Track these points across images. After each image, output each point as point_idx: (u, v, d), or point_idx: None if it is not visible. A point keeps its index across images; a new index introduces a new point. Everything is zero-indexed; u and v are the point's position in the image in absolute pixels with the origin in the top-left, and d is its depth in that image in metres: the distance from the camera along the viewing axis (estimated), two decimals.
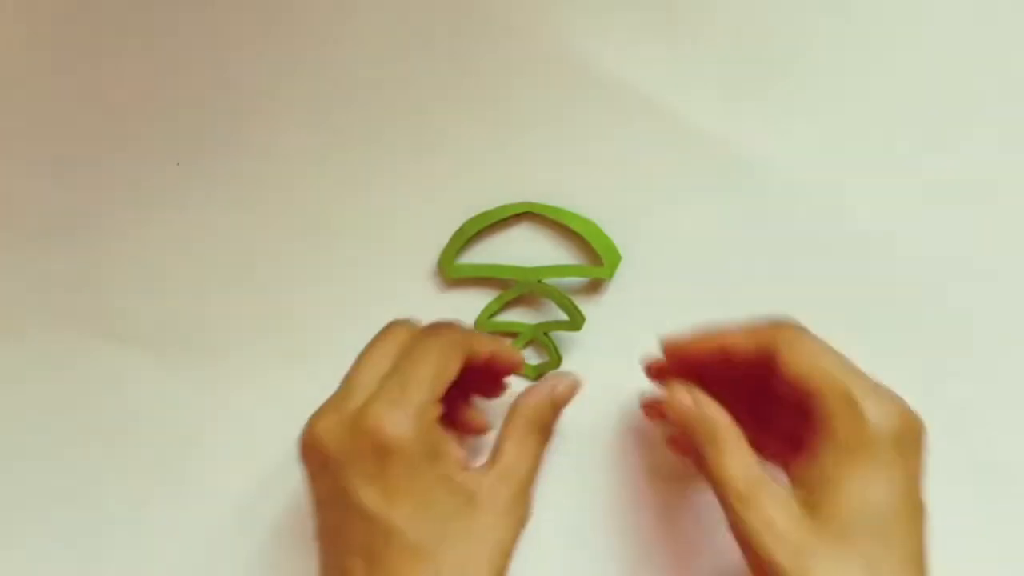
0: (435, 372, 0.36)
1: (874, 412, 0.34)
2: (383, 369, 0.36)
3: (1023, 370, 0.44)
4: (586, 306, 0.44)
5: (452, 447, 0.36)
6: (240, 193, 0.46)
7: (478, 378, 0.40)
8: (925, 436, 0.35)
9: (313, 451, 0.35)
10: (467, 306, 0.44)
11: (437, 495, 0.34)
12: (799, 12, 0.45)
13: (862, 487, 0.33)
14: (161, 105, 0.46)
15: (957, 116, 0.45)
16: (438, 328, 0.37)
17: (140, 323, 0.46)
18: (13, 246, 0.46)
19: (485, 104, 0.46)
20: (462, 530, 0.34)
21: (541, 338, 0.44)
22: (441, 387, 0.36)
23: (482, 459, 0.38)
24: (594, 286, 0.45)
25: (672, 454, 0.43)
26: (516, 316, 0.45)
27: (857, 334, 0.43)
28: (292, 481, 0.44)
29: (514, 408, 0.38)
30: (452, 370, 0.36)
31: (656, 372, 0.41)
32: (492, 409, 0.43)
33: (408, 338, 0.37)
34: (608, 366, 0.43)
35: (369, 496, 0.34)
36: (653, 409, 0.42)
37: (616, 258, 0.44)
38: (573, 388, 0.40)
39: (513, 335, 0.44)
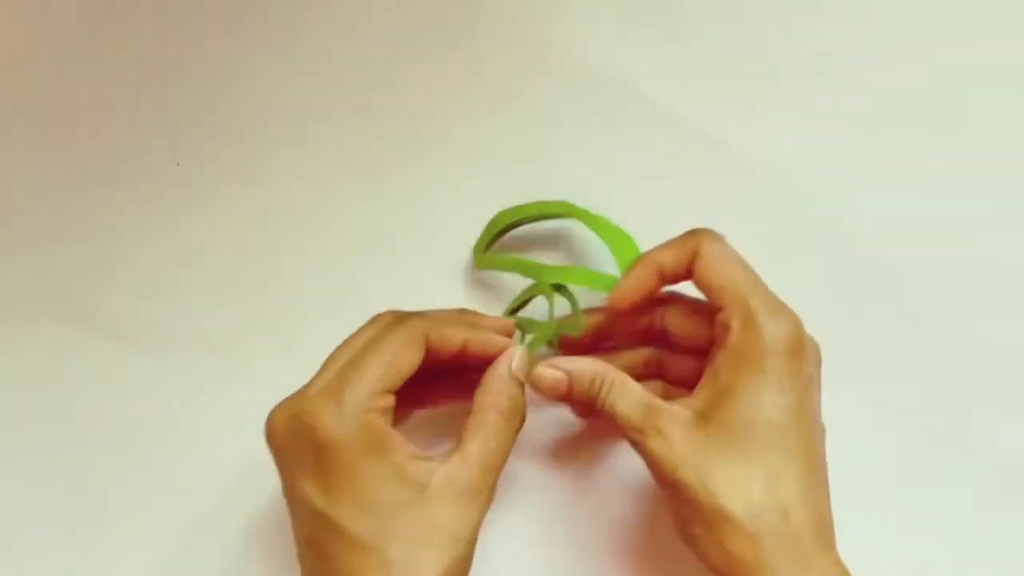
0: (385, 364, 0.35)
1: (769, 325, 0.35)
2: (344, 361, 0.36)
3: (1023, 369, 0.44)
4: (587, 303, 0.43)
5: (400, 439, 0.35)
6: (240, 193, 0.46)
7: (461, 369, 0.39)
8: (818, 356, 0.37)
9: (269, 442, 0.36)
10: (478, 305, 0.43)
11: (383, 488, 0.34)
12: (799, 12, 0.45)
13: (755, 397, 0.34)
14: (161, 105, 0.46)
15: (957, 116, 0.45)
16: (401, 318, 0.37)
17: (140, 323, 0.46)
18: (13, 246, 0.46)
19: (488, 104, 0.46)
20: (412, 521, 0.34)
21: (554, 339, 0.42)
22: (392, 380, 0.35)
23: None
24: None
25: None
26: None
27: (857, 334, 0.44)
28: None
29: (477, 390, 0.37)
30: (407, 361, 0.35)
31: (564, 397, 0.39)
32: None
33: (378, 329, 0.37)
34: None
35: (311, 491, 0.34)
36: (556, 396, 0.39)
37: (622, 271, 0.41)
38: (527, 359, 0.38)
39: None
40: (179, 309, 0.45)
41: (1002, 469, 0.43)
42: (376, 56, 0.47)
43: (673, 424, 0.35)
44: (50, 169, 0.47)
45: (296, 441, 0.35)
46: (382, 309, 0.38)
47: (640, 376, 0.40)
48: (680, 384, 0.40)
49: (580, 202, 0.43)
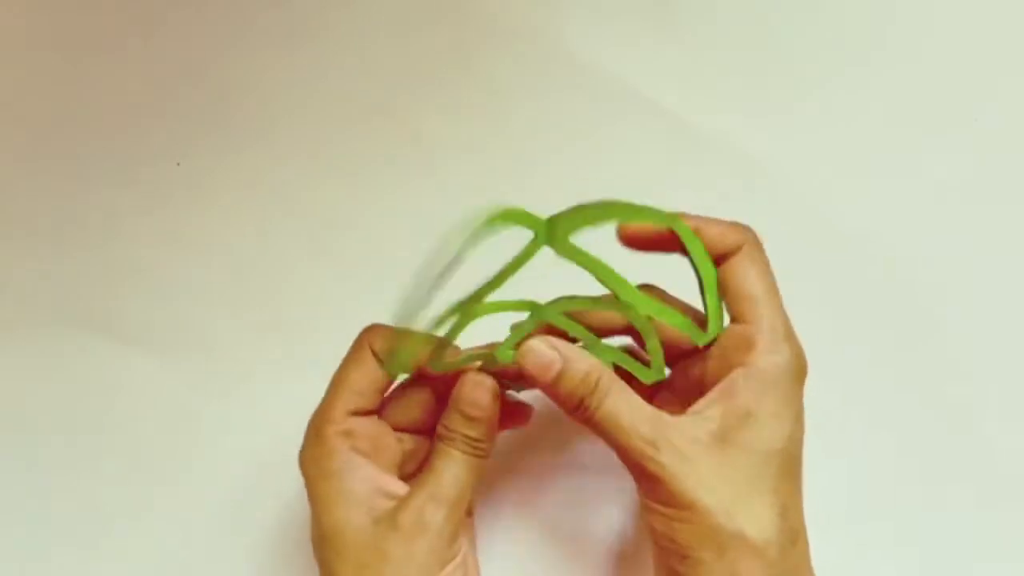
0: (336, 384, 0.35)
1: (789, 350, 0.34)
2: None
3: (1023, 371, 0.44)
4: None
5: (361, 465, 0.34)
6: (242, 194, 0.46)
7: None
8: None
9: None
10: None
11: (333, 512, 0.34)
12: (799, 12, 0.45)
13: (778, 425, 0.33)
14: (161, 105, 0.46)
15: (958, 116, 0.45)
16: (359, 336, 0.36)
17: (140, 323, 0.46)
18: (13, 246, 0.46)
19: (483, 106, 0.46)
20: (380, 557, 0.33)
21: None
22: (343, 400, 0.35)
23: None
24: None
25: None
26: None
27: (857, 334, 0.44)
28: (291, 481, 0.44)
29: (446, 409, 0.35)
30: (357, 380, 0.35)
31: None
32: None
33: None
34: None
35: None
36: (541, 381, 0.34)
37: (719, 329, 0.35)
38: (477, 388, 0.35)
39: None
40: (181, 311, 0.45)
41: (1002, 469, 0.43)
42: (376, 56, 0.47)
43: (689, 442, 0.32)
44: (50, 169, 0.46)
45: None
46: (384, 310, 0.38)
47: None
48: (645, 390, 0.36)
49: (577, 201, 0.43)
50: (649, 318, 0.34)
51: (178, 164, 0.46)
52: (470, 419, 0.34)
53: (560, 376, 0.33)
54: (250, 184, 0.46)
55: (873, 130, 0.45)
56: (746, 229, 0.35)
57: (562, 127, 0.46)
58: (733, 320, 0.35)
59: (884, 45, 0.46)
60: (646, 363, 0.36)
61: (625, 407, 0.33)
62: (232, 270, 0.46)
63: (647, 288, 0.36)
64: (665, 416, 0.33)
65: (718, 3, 0.46)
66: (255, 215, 0.46)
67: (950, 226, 0.45)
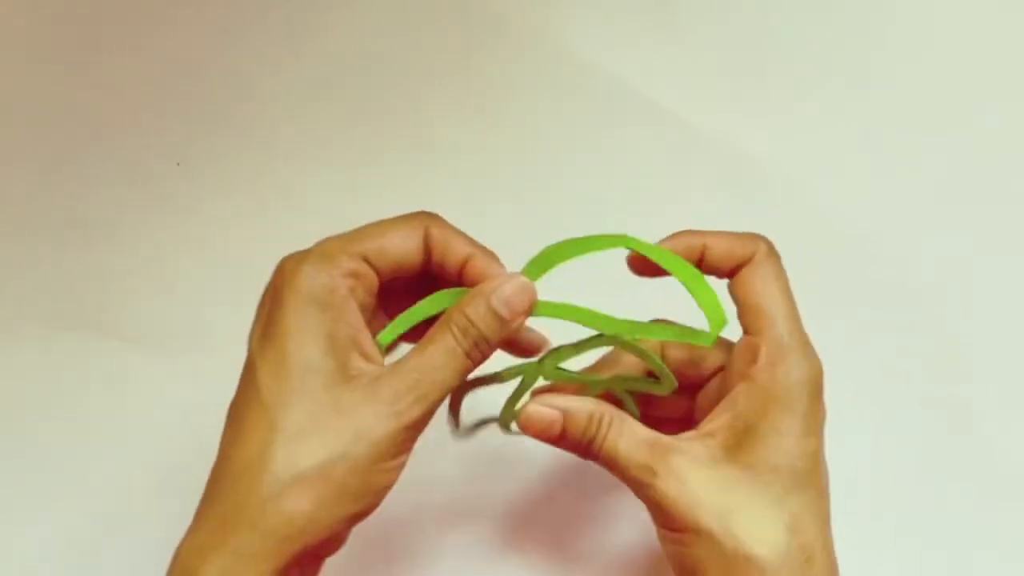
0: (370, 233, 0.33)
1: (800, 365, 0.33)
2: None
3: (1023, 371, 0.44)
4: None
5: (355, 316, 0.32)
6: (241, 193, 0.46)
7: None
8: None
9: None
10: None
11: (307, 347, 0.31)
12: (799, 12, 0.45)
13: (783, 440, 0.32)
14: (161, 105, 0.46)
15: (957, 116, 0.45)
16: (419, 214, 0.34)
17: (140, 323, 0.46)
18: (13, 246, 0.46)
19: (483, 106, 0.46)
20: (315, 397, 0.30)
21: (621, 395, 0.37)
22: (373, 251, 0.32)
23: None
24: None
25: None
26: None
27: (857, 334, 0.44)
28: None
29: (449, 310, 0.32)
30: (395, 243, 0.33)
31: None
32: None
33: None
34: None
35: (253, 335, 0.32)
36: (548, 438, 0.34)
37: (721, 321, 0.34)
38: (523, 292, 0.32)
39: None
40: (181, 310, 0.45)
41: (1002, 469, 0.43)
42: (376, 56, 0.47)
43: (688, 463, 0.32)
44: (50, 169, 0.46)
45: (270, 284, 0.33)
46: None
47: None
48: (656, 420, 0.36)
49: (578, 201, 0.43)
50: (636, 340, 0.34)
51: (178, 164, 0.46)
52: (500, 319, 0.32)
53: (565, 427, 0.33)
54: (251, 183, 0.46)
55: (873, 130, 0.45)
56: (758, 239, 0.34)
57: (562, 127, 0.46)
58: (745, 332, 0.34)
59: (884, 45, 0.46)
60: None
61: (622, 439, 0.32)
62: (232, 270, 0.46)
63: (656, 322, 0.35)
64: (664, 439, 0.32)
65: (718, 3, 0.46)
66: (255, 215, 0.46)
67: (950, 226, 0.45)
